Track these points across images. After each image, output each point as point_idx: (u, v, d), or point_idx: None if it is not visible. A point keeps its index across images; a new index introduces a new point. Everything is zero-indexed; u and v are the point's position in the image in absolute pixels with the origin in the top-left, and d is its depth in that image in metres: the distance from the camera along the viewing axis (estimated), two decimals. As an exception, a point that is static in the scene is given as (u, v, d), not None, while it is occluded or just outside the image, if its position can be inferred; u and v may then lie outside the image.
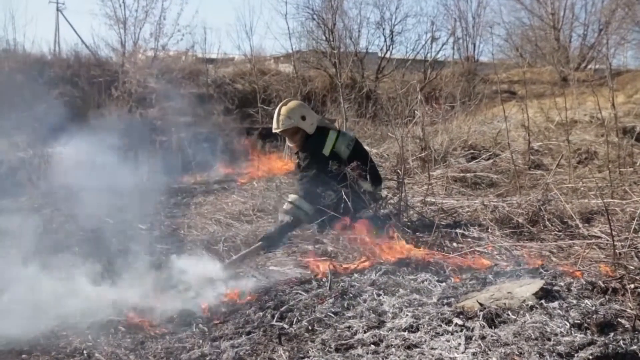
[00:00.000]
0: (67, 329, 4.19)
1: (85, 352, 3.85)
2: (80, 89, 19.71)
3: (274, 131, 7.33)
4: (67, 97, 18.88)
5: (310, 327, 3.96)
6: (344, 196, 6.56)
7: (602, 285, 4.34)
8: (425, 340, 3.59)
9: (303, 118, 7.13)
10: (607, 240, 5.62)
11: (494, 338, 3.51)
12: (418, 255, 5.56)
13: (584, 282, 4.42)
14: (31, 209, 8.50)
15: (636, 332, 3.50)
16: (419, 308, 4.15)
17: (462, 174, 9.46)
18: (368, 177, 6.89)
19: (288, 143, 7.71)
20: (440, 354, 3.41)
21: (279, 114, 7.16)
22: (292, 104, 7.29)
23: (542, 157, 10.53)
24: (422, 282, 4.83)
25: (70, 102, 18.45)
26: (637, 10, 27.20)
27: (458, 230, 6.42)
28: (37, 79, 18.88)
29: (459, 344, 3.49)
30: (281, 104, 7.27)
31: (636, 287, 4.29)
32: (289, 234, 6.75)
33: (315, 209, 6.76)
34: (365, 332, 3.79)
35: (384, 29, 25.86)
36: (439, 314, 3.95)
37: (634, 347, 3.33)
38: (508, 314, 3.82)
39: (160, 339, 4.00)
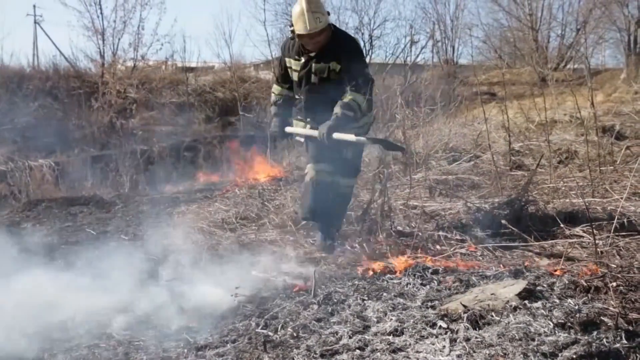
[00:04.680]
0: (51, 342, 4.17)
1: (69, 365, 3.83)
2: (60, 101, 19.66)
3: (309, 32, 6.14)
4: (47, 109, 18.84)
5: (295, 334, 3.96)
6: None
7: (585, 284, 4.37)
8: (410, 344, 3.60)
9: (328, 13, 6.43)
10: (589, 239, 5.66)
11: (479, 340, 3.52)
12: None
13: (567, 282, 4.44)
14: (12, 223, 8.46)
15: (619, 330, 3.51)
16: (403, 312, 4.16)
17: (443, 177, 9.49)
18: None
19: (308, 46, 6.35)
20: (425, 357, 3.42)
21: (311, 11, 6.10)
22: None
23: (523, 157, 10.58)
24: (406, 285, 4.84)
25: (50, 114, 18.41)
26: (613, 10, 27.43)
27: (441, 233, 6.43)
28: (17, 92, 18.83)
29: (444, 346, 3.49)
30: (302, 1, 6.13)
31: (618, 285, 4.33)
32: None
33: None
34: (350, 337, 3.79)
35: (362, 34, 26.02)
36: (423, 317, 3.96)
37: (617, 345, 3.35)
38: (492, 315, 3.83)
39: (145, 350, 3.99)
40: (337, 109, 6.08)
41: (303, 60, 6.41)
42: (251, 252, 6.34)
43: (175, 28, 60.56)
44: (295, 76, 6.55)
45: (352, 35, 7.10)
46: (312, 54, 6.33)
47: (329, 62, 6.27)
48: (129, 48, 22.79)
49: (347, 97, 6.09)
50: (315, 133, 6.21)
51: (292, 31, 6.34)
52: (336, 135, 6.00)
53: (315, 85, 6.39)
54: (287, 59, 6.62)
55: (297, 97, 6.65)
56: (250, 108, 20.56)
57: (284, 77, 6.78)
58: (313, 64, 6.34)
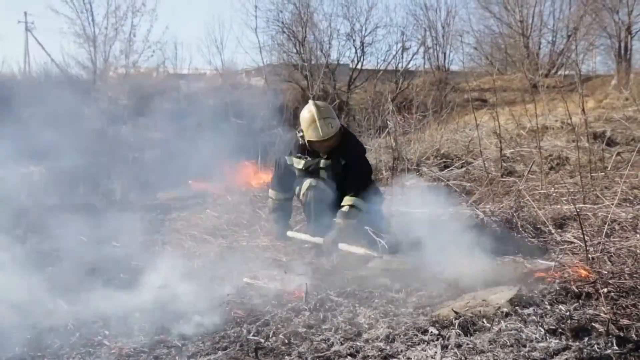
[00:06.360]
0: (40, 350, 4.14)
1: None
2: (51, 108, 19.58)
3: (322, 138, 6.38)
4: (38, 116, 18.76)
5: (286, 341, 3.95)
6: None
7: (576, 290, 4.38)
8: (401, 351, 3.60)
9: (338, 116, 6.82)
10: (580, 245, 5.67)
11: (470, 346, 3.52)
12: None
13: (558, 288, 4.45)
14: (2, 230, 8.40)
15: (610, 336, 3.52)
16: (395, 318, 4.16)
17: (435, 183, 9.49)
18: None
19: (320, 149, 6.58)
20: (417, 364, 3.42)
21: (323, 118, 6.39)
22: (321, 103, 6.71)
23: (515, 164, 10.59)
24: (398, 292, 4.84)
25: (41, 121, 18.32)
26: (604, 16, 27.51)
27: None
28: (8, 99, 18.75)
29: (435, 353, 3.49)
30: (312, 108, 6.46)
31: (609, 292, 4.33)
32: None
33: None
34: (341, 344, 3.78)
35: (354, 41, 26.04)
36: (415, 324, 3.97)
37: (608, 351, 3.36)
38: (483, 322, 3.84)
39: (136, 357, 3.96)
40: (339, 220, 6.32)
41: (309, 158, 6.65)
42: (243, 258, 6.33)
43: (167, 35, 59.99)
44: (297, 172, 6.78)
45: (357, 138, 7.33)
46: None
47: (338, 160, 6.56)
48: (121, 55, 22.84)
49: (347, 204, 6.37)
50: (319, 240, 6.34)
51: (302, 136, 6.60)
52: (342, 246, 6.07)
53: (323, 178, 6.62)
54: (287, 157, 6.83)
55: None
56: (242, 115, 20.54)
57: (282, 181, 6.96)
58: (322, 161, 6.61)
